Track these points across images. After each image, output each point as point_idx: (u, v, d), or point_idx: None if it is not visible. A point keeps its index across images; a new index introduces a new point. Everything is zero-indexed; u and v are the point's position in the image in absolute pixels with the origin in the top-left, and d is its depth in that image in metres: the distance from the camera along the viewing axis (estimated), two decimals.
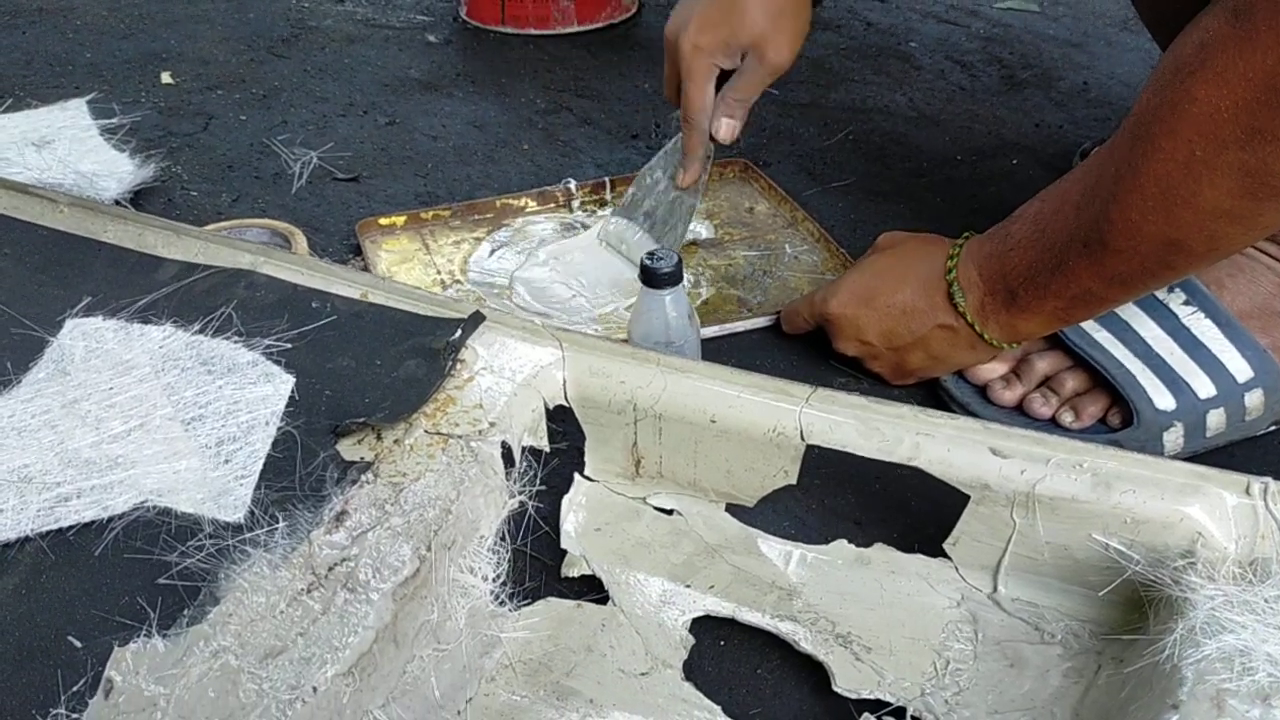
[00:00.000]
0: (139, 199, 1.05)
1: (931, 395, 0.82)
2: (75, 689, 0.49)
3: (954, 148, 1.18)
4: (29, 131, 1.16)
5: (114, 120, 1.18)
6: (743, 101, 0.90)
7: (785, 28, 0.87)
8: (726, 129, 0.91)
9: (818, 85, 1.32)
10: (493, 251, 0.99)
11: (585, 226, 1.02)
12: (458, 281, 0.95)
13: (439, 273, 0.96)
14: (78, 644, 0.51)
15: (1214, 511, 0.58)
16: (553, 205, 1.06)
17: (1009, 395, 0.79)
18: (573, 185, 1.05)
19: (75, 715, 0.47)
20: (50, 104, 1.22)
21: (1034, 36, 1.45)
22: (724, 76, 0.90)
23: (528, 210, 1.05)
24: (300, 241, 0.95)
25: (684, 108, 0.91)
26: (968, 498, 0.62)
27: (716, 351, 0.85)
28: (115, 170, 1.08)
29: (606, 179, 1.07)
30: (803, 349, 0.88)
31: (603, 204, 1.06)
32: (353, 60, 1.38)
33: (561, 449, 0.70)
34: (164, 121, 1.22)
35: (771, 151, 1.17)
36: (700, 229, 1.02)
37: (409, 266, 0.97)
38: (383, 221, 1.01)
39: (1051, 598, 0.62)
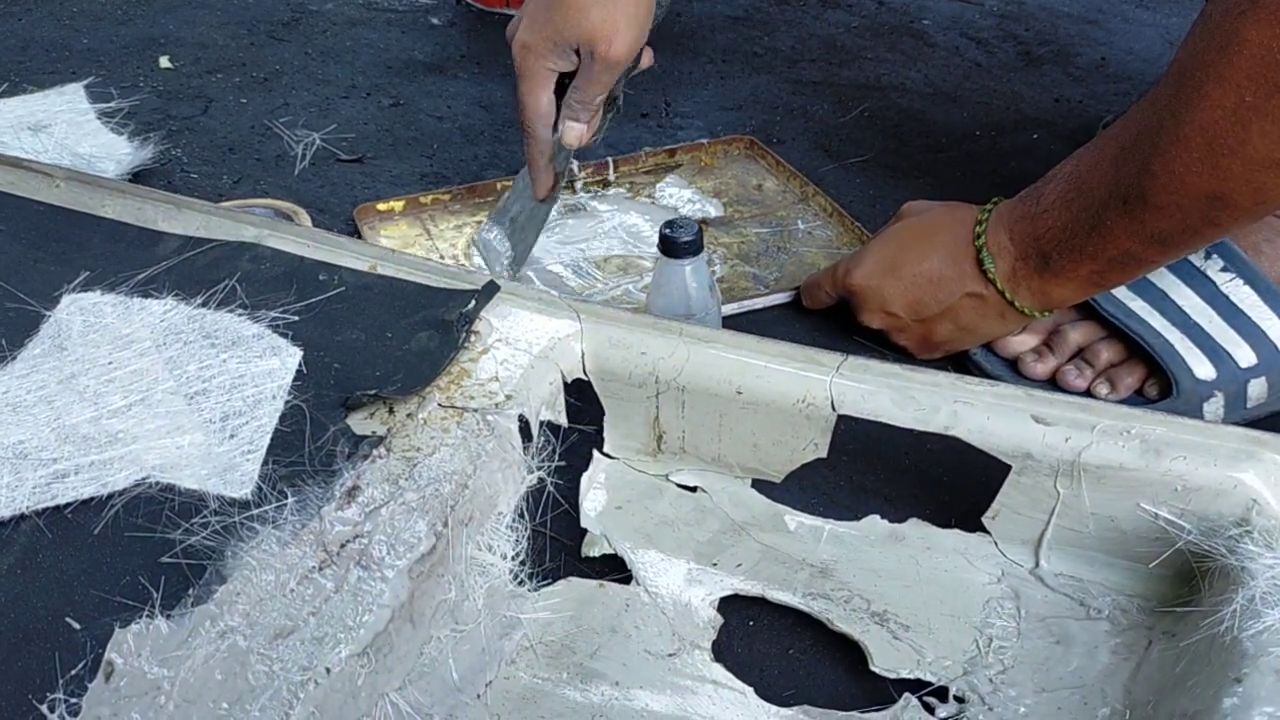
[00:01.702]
0: (138, 182, 1.03)
1: (960, 370, 0.80)
2: (74, 672, 0.46)
3: (973, 123, 1.16)
4: (25, 116, 1.13)
5: (112, 104, 1.15)
6: (585, 104, 0.81)
7: (619, 18, 0.78)
8: (572, 134, 0.83)
9: (829, 63, 1.30)
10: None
11: (585, 208, 1.00)
12: (463, 265, 0.92)
13: (442, 257, 0.93)
14: (76, 626, 0.48)
15: (1269, 477, 0.55)
16: None
17: (1041, 368, 0.77)
18: (575, 166, 1.02)
19: (74, 699, 0.45)
20: (47, 89, 1.20)
21: (1049, 14, 1.43)
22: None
23: None
24: (304, 220, 0.93)
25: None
26: (1007, 469, 0.59)
27: (736, 329, 0.82)
28: (113, 153, 1.05)
29: (610, 159, 1.04)
30: (825, 324, 0.85)
31: (605, 184, 1.03)
32: (355, 43, 1.35)
33: (580, 425, 0.67)
34: (163, 105, 1.20)
35: (785, 129, 1.14)
36: (709, 207, 1.00)
37: (411, 252, 0.94)
38: (380, 207, 0.98)
39: (1097, 572, 0.60)
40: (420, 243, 0.95)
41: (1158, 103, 0.61)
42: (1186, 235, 0.64)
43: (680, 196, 1.01)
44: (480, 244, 0.93)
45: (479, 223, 0.98)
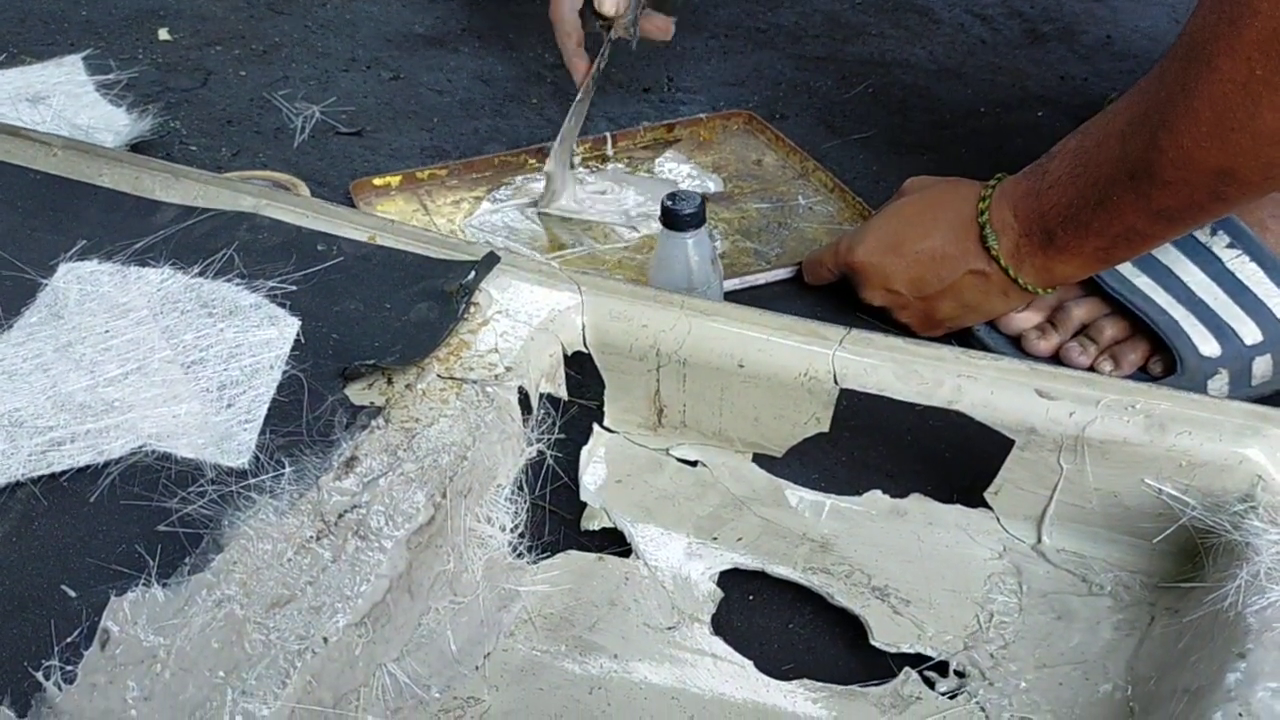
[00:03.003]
0: (136, 153, 1.02)
1: (964, 346, 0.79)
2: (70, 640, 0.46)
3: (977, 100, 1.15)
4: (23, 87, 1.12)
5: (110, 76, 1.14)
6: None
7: None
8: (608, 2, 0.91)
9: (833, 39, 1.28)
10: (495, 212, 0.96)
11: (583, 183, 0.99)
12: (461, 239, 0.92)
13: (439, 233, 0.93)
14: (72, 594, 0.48)
15: (1274, 453, 0.55)
16: None
17: (1044, 345, 0.76)
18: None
19: (70, 667, 0.44)
20: (45, 60, 1.19)
21: None
22: None
23: (528, 167, 1.01)
24: (303, 192, 0.92)
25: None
26: (1009, 445, 0.59)
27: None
28: (112, 124, 1.04)
29: (608, 134, 1.03)
30: (827, 300, 0.84)
31: (604, 159, 1.02)
32: (355, 16, 1.34)
33: (580, 398, 0.66)
34: (161, 77, 1.19)
35: (788, 104, 1.13)
36: (709, 183, 0.99)
37: None
38: (377, 182, 0.97)
39: (1099, 548, 0.59)
40: (417, 218, 0.95)
41: (1165, 77, 0.61)
42: (1194, 211, 0.63)
43: (679, 172, 1.01)
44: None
45: (476, 198, 0.97)
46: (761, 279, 0.87)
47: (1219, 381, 0.72)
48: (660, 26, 0.96)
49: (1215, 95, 0.57)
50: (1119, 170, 0.64)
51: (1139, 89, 0.64)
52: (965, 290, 0.75)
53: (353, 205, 0.95)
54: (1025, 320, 0.77)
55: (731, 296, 0.84)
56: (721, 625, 0.59)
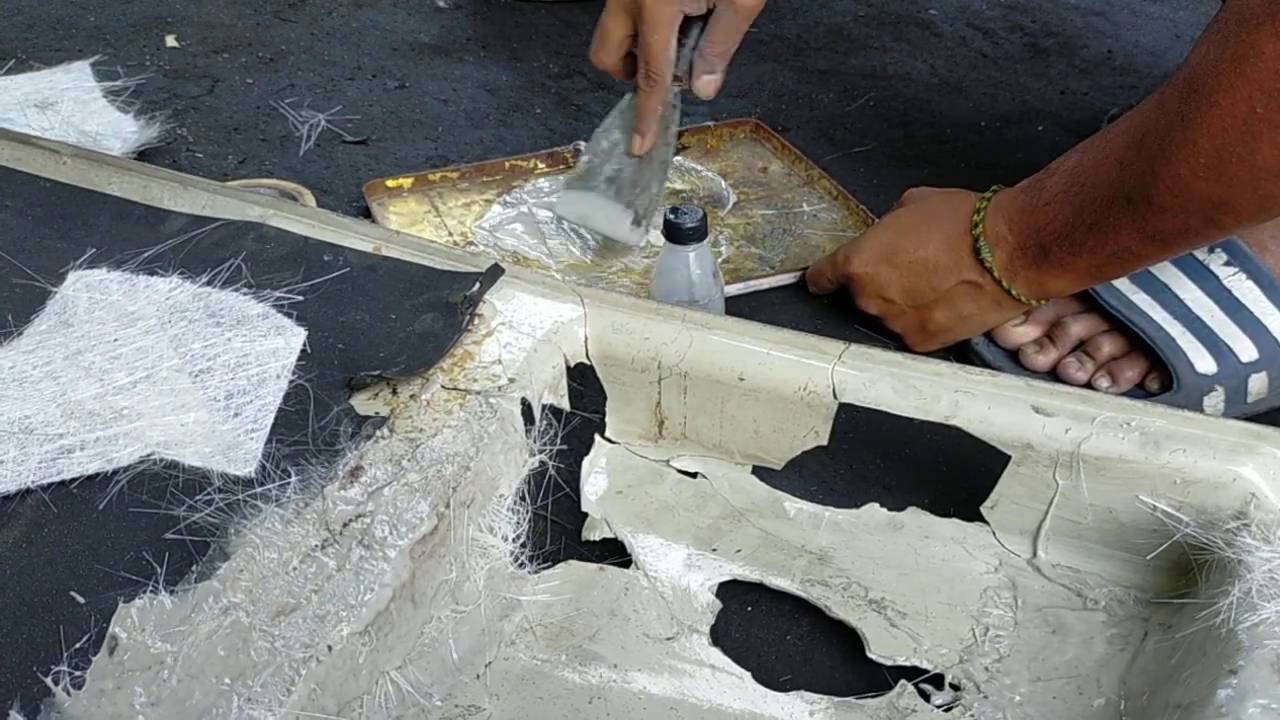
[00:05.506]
0: (143, 161, 1.03)
1: (962, 360, 0.80)
2: (78, 646, 0.47)
3: (978, 114, 1.16)
4: (32, 93, 1.13)
5: (118, 83, 1.15)
6: (723, 54, 0.82)
7: None
8: (711, 85, 0.83)
9: (836, 52, 1.29)
10: (505, 214, 0.97)
11: None
12: (470, 244, 0.93)
13: (450, 235, 0.94)
14: (81, 600, 0.49)
15: (1268, 471, 0.55)
16: (562, 166, 1.03)
17: (1042, 360, 0.77)
18: (582, 147, 1.03)
19: (79, 673, 0.45)
20: (53, 66, 1.20)
21: (1056, 5, 1.42)
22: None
23: (537, 172, 1.03)
24: (309, 201, 0.93)
25: (647, 61, 0.81)
26: (1005, 460, 0.59)
27: (740, 310, 0.82)
28: (120, 131, 1.05)
29: None
30: (828, 307, 0.85)
31: None
32: (361, 24, 1.35)
33: (582, 409, 0.67)
34: (169, 84, 1.20)
35: (790, 117, 1.14)
36: (723, 192, 1.00)
37: (419, 229, 0.94)
38: (390, 184, 0.99)
39: (1094, 563, 0.60)
40: (429, 219, 0.96)
41: (1165, 106, 0.61)
42: (1187, 236, 0.64)
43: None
44: (575, 215, 0.90)
45: (487, 201, 0.98)
46: (765, 284, 0.88)
47: (1215, 398, 0.72)
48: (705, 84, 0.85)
49: (1215, 129, 0.58)
50: (1115, 193, 0.64)
51: (1138, 114, 0.64)
52: (958, 300, 0.76)
53: (363, 209, 0.96)
54: (1023, 335, 0.78)
55: (735, 301, 0.85)
56: (720, 636, 0.59)
